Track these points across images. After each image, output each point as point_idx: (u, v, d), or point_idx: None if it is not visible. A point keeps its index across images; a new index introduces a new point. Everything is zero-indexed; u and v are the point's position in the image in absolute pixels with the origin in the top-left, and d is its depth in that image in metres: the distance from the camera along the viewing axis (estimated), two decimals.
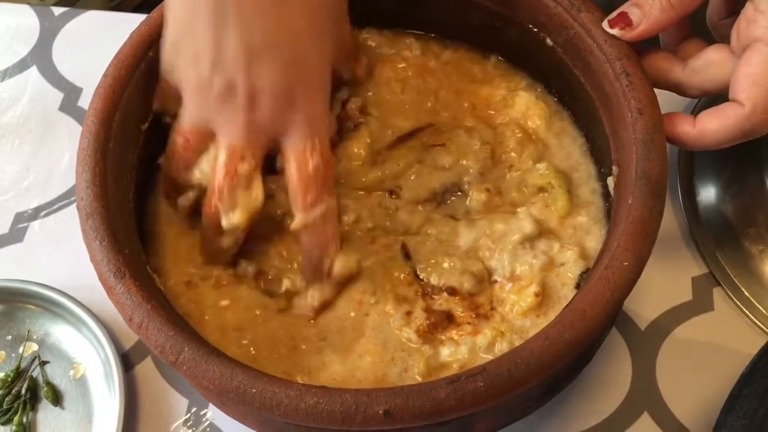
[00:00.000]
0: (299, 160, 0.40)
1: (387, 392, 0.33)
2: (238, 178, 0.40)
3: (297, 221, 0.40)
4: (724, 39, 0.40)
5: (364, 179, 0.45)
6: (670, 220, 0.54)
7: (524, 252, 0.42)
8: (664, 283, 0.51)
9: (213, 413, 0.49)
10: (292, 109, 0.39)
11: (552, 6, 0.43)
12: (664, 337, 0.50)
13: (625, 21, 0.40)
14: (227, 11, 0.38)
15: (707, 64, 0.40)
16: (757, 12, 0.37)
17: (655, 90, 0.41)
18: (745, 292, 0.51)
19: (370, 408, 0.33)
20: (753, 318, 0.50)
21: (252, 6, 0.38)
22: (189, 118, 0.40)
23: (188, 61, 0.39)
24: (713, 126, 0.38)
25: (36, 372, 0.50)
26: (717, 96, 0.41)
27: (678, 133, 0.40)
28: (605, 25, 0.41)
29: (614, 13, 0.41)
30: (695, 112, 0.40)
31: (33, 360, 0.50)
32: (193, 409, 0.49)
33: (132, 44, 0.42)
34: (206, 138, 0.40)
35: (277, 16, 0.38)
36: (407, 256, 0.43)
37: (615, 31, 0.41)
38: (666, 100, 0.43)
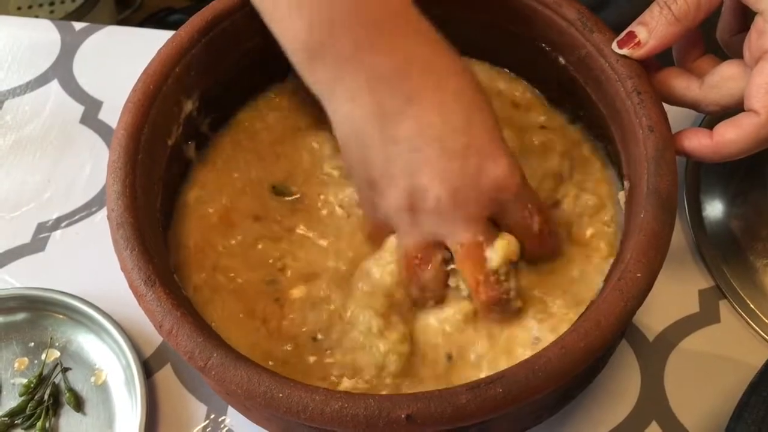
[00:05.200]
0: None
1: (409, 397, 0.34)
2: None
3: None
4: (737, 55, 0.41)
5: None
6: (678, 235, 0.55)
7: None
8: (672, 295, 0.53)
9: (231, 420, 0.50)
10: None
11: (565, 26, 0.44)
12: (672, 348, 0.51)
13: (633, 40, 0.42)
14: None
15: (723, 79, 0.41)
16: (767, 23, 0.38)
17: (665, 106, 0.42)
18: (751, 305, 0.52)
19: (393, 412, 0.34)
20: (758, 329, 0.51)
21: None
22: (405, 241, 0.42)
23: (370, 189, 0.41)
24: (730, 136, 0.39)
25: (58, 378, 0.51)
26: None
27: (695, 147, 0.41)
28: (614, 46, 0.42)
29: (622, 34, 0.42)
30: (703, 127, 0.41)
31: (55, 367, 0.51)
32: (212, 416, 0.50)
33: (160, 60, 0.43)
34: (432, 249, 0.41)
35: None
36: None
37: (625, 51, 0.42)
38: (674, 116, 0.45)
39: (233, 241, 0.45)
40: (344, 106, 0.40)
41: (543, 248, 0.43)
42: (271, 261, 0.45)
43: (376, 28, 0.39)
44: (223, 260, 0.45)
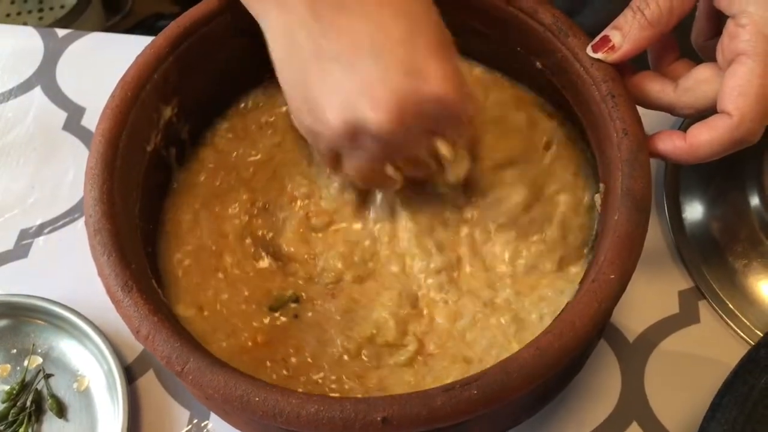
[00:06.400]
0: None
1: (385, 400, 0.34)
2: None
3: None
4: (711, 59, 0.41)
5: None
6: (658, 237, 0.56)
7: None
8: (652, 296, 0.53)
9: (214, 425, 0.50)
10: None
11: (541, 31, 0.45)
12: (652, 349, 0.51)
13: (607, 44, 0.42)
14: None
15: (697, 82, 0.41)
16: (738, 27, 0.38)
17: (643, 110, 0.43)
18: (730, 305, 0.52)
19: (369, 415, 0.34)
20: (737, 329, 0.51)
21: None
22: (349, 166, 0.42)
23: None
24: (704, 138, 0.39)
25: (41, 385, 0.51)
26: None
27: (669, 149, 0.41)
28: (589, 50, 0.43)
29: (597, 38, 0.43)
30: (682, 129, 0.41)
31: (38, 373, 0.51)
32: (195, 421, 0.50)
33: (138, 67, 0.44)
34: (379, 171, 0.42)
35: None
36: None
37: (599, 55, 0.42)
38: (652, 120, 0.45)
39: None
40: (277, 16, 0.39)
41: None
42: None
43: None
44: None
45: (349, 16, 0.38)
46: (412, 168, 0.43)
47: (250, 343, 0.43)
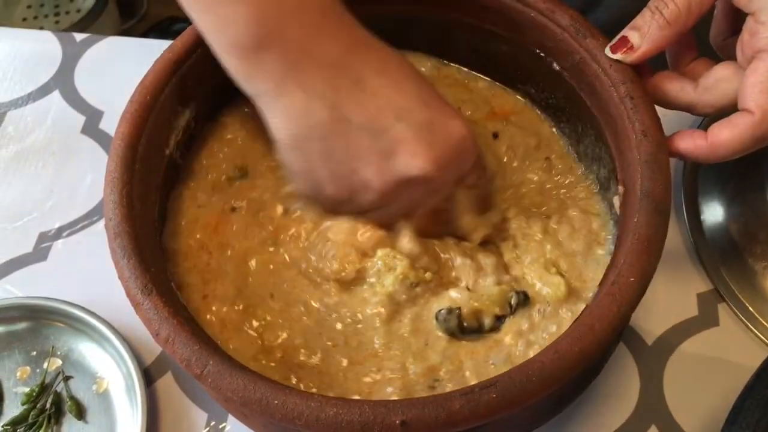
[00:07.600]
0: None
1: (404, 403, 0.34)
2: None
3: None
4: (730, 57, 0.41)
5: None
6: (676, 239, 0.55)
7: None
8: (671, 299, 0.53)
9: (231, 427, 0.50)
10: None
11: (558, 32, 0.45)
12: (671, 352, 0.51)
13: (626, 45, 0.42)
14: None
15: (717, 81, 0.41)
16: (758, 24, 0.38)
17: (662, 111, 0.42)
18: (749, 308, 0.52)
19: (388, 418, 0.34)
20: (757, 332, 0.51)
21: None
22: (373, 216, 0.44)
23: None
24: (725, 136, 0.39)
25: (60, 387, 0.51)
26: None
27: (690, 148, 0.41)
28: (607, 51, 0.42)
29: (615, 39, 0.43)
30: (701, 129, 0.41)
31: (57, 375, 0.52)
32: (213, 423, 0.50)
33: (156, 71, 0.44)
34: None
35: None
36: None
37: (618, 56, 0.42)
38: (672, 120, 0.45)
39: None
40: (297, 100, 0.39)
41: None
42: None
43: (320, 12, 0.39)
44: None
45: (364, 91, 0.39)
46: (431, 223, 0.45)
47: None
